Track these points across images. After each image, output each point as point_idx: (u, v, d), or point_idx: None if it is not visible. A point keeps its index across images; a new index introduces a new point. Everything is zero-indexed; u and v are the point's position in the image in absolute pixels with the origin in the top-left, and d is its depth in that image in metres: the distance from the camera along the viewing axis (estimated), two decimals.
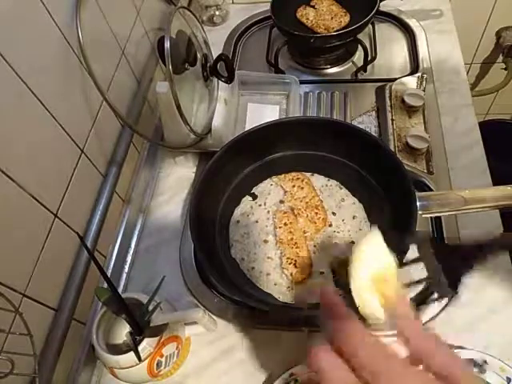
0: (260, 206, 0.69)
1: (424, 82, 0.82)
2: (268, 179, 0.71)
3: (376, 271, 0.41)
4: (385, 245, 0.44)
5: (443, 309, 0.59)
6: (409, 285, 0.58)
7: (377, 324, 0.37)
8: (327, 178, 0.70)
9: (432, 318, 0.59)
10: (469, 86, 0.84)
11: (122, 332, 0.57)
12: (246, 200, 0.70)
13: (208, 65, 0.75)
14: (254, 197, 0.70)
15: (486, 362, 0.54)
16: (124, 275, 0.70)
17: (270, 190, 0.70)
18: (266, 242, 0.65)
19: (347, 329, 0.29)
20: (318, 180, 0.70)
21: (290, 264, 0.62)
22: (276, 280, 0.62)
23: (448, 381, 0.27)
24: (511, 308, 0.60)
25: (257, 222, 0.67)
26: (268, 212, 0.68)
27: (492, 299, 0.61)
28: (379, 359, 0.27)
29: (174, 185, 0.79)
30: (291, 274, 0.61)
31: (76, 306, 0.58)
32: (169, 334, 0.55)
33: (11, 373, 0.42)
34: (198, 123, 0.73)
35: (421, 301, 0.61)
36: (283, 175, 0.71)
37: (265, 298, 0.60)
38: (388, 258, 0.43)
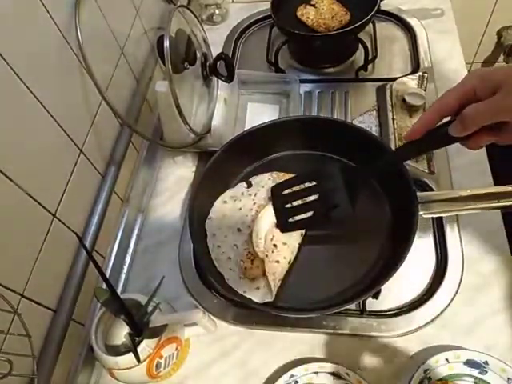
0: (250, 195, 0.67)
1: (425, 82, 0.81)
2: (269, 173, 0.69)
3: (271, 223, 0.63)
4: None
5: (444, 309, 0.59)
6: None
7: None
8: None
9: (433, 319, 0.59)
10: None
11: (121, 333, 0.56)
12: (241, 185, 0.68)
13: (208, 64, 0.74)
14: (249, 185, 0.68)
15: (486, 362, 0.54)
16: (123, 276, 0.69)
17: (266, 183, 0.68)
18: (239, 230, 0.64)
19: None
20: None
21: (248, 258, 0.61)
22: (232, 266, 0.61)
23: None
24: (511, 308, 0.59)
25: (240, 209, 0.65)
26: (254, 203, 0.65)
27: (492, 300, 0.60)
28: None
29: (173, 185, 0.79)
30: (245, 268, 0.60)
31: (75, 306, 0.58)
32: (168, 334, 0.54)
33: (10, 374, 0.42)
34: (197, 122, 0.73)
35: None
36: (283, 174, 0.70)
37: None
38: None
